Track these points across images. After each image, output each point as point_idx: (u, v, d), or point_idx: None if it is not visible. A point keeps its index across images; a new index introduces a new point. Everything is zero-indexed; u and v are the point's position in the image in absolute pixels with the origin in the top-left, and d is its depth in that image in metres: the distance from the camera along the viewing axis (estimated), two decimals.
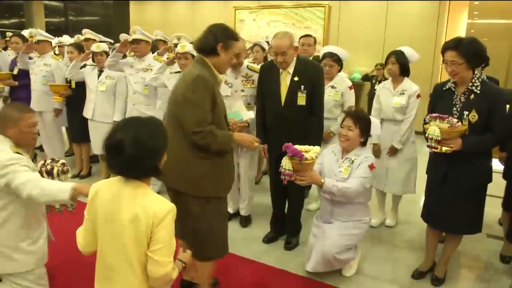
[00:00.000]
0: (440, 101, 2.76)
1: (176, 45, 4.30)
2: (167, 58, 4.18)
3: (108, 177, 4.78)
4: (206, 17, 10.13)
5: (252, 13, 9.49)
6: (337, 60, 3.86)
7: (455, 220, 2.77)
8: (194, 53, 3.99)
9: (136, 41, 4.32)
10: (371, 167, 2.83)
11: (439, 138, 2.53)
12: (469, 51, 2.54)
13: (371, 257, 3.37)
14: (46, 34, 5.30)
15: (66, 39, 6.33)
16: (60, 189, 2.04)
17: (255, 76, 3.59)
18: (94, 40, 5.40)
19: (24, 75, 5.20)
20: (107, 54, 4.64)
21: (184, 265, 1.82)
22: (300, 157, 2.46)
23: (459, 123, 2.55)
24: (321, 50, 4.18)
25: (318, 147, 2.67)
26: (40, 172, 2.27)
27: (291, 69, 3.23)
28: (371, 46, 7.79)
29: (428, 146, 2.63)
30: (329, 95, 3.82)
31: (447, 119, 2.52)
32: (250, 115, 3.34)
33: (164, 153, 1.70)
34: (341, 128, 2.95)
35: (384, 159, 3.77)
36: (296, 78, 3.21)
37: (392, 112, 3.68)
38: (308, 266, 3.00)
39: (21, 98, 5.08)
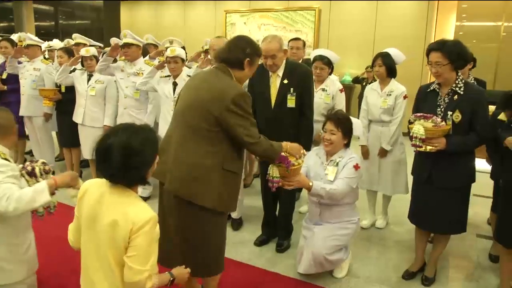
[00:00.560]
0: (424, 102, 2.81)
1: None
2: (159, 62, 4.18)
3: None
4: (197, 20, 10.14)
5: (243, 17, 9.51)
6: (328, 63, 3.89)
7: (440, 219, 2.81)
8: (184, 57, 4.02)
9: (126, 45, 4.32)
10: (356, 167, 2.86)
11: (424, 137, 2.58)
12: (453, 52, 2.59)
13: (361, 258, 3.39)
14: (36, 38, 5.29)
15: (56, 43, 6.31)
16: (36, 190, 1.92)
17: None
18: (85, 45, 5.38)
19: (13, 80, 5.18)
20: (96, 58, 4.63)
21: (171, 278, 1.77)
22: (287, 164, 2.46)
23: (443, 122, 2.59)
24: (311, 53, 4.21)
25: (304, 150, 2.66)
26: (22, 176, 2.19)
27: (280, 72, 3.25)
28: (361, 49, 7.85)
29: (413, 145, 2.67)
30: (320, 98, 3.85)
31: (431, 119, 2.57)
32: None
33: (154, 163, 1.67)
34: (323, 132, 2.97)
35: (374, 160, 3.80)
36: (285, 81, 3.23)
37: (380, 114, 3.72)
38: (300, 268, 3.01)
39: (10, 102, 5.04)
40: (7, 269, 2.08)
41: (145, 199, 4.55)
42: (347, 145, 2.98)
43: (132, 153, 1.56)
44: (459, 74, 2.69)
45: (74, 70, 4.77)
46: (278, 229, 3.58)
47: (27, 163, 2.32)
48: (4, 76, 5.23)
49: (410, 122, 2.73)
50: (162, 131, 4.12)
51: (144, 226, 1.56)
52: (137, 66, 4.36)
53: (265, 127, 3.27)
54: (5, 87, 5.22)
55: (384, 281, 3.09)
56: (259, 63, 3.59)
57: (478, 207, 4.37)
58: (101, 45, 6.04)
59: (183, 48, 4.35)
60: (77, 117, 4.69)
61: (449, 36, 7.50)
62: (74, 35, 5.69)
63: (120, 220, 1.56)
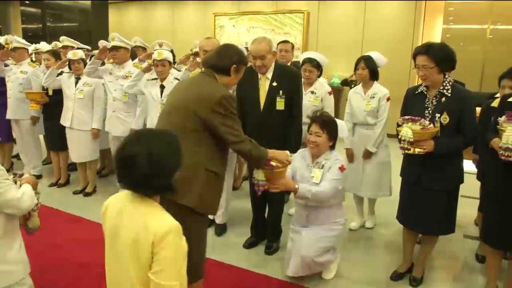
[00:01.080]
0: (412, 104, 2.83)
1: None
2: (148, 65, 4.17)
3: (86, 186, 4.76)
4: (186, 23, 10.13)
5: (231, 19, 9.52)
6: (317, 66, 3.91)
7: (429, 220, 2.83)
8: (171, 59, 4.01)
9: (115, 48, 4.30)
10: (341, 169, 2.87)
11: (412, 140, 2.59)
12: (439, 55, 2.62)
13: (350, 260, 3.40)
14: (23, 41, 5.24)
15: (43, 46, 6.24)
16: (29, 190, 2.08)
17: None
18: (72, 47, 5.34)
19: (0, 83, 5.12)
20: (84, 61, 4.60)
21: None
22: (271, 168, 2.46)
23: (431, 125, 2.62)
24: (300, 56, 4.23)
25: (288, 152, 2.64)
26: None
27: (269, 75, 3.26)
28: (349, 51, 7.88)
29: (401, 148, 2.68)
30: (309, 100, 3.87)
31: (419, 121, 2.59)
32: None
33: (179, 169, 1.59)
34: (308, 134, 2.97)
35: (359, 163, 3.82)
36: (274, 83, 3.24)
37: (364, 116, 3.74)
38: (289, 271, 3.01)
39: None
40: (7, 270, 2.06)
41: None
42: (332, 147, 2.99)
43: (157, 160, 1.49)
44: (447, 76, 2.71)
45: (61, 73, 4.73)
46: (267, 231, 3.59)
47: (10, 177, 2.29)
48: None
49: (398, 125, 2.75)
50: None
51: (165, 236, 1.46)
52: (125, 69, 4.35)
53: (254, 129, 3.28)
54: None
55: (373, 282, 3.11)
56: (249, 65, 3.62)
57: (465, 208, 4.39)
58: (89, 47, 5.99)
59: (172, 51, 4.34)
60: (65, 121, 4.65)
61: (436, 38, 7.58)
62: (61, 38, 5.64)
63: (140, 233, 1.48)
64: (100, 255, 1.62)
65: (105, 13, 10.37)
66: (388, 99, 3.71)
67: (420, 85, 2.83)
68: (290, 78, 3.27)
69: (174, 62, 4.86)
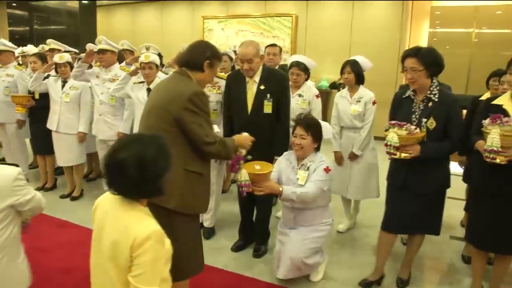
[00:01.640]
0: (399, 109, 2.84)
1: None
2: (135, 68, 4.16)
3: (73, 190, 4.71)
4: (174, 26, 10.11)
5: (220, 23, 9.53)
6: (304, 69, 3.92)
7: (415, 222, 2.84)
8: (158, 62, 4.01)
9: (101, 51, 4.28)
10: (327, 170, 2.88)
11: (398, 145, 2.60)
12: (428, 58, 2.64)
13: (337, 262, 3.42)
14: (9, 43, 5.19)
15: (29, 48, 6.18)
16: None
17: (221, 82, 3.64)
18: (59, 50, 5.30)
19: None
20: (70, 64, 4.56)
21: None
22: (239, 159, 2.53)
23: (417, 129, 2.63)
24: (288, 59, 4.25)
25: (247, 134, 2.66)
26: None
27: (257, 78, 3.27)
28: (337, 54, 7.93)
29: (387, 153, 2.69)
30: (297, 103, 3.88)
31: (405, 126, 2.60)
32: (215, 129, 3.33)
33: (168, 172, 1.60)
34: (293, 137, 2.99)
35: (346, 166, 3.85)
36: (262, 87, 3.25)
37: (351, 119, 3.77)
38: (279, 273, 3.01)
39: None
40: (15, 281, 2.06)
41: None
42: (317, 149, 3.00)
43: (147, 165, 1.49)
44: (434, 81, 2.73)
45: (47, 76, 4.69)
46: (255, 234, 3.59)
47: None
48: None
49: (386, 130, 2.77)
50: None
51: (145, 242, 1.46)
52: (112, 72, 4.33)
53: (242, 133, 3.29)
54: None
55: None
56: (236, 68, 3.63)
57: (451, 210, 4.45)
58: (77, 51, 5.96)
59: (159, 54, 4.33)
60: (51, 124, 4.61)
61: (423, 42, 7.66)
62: (48, 41, 5.60)
63: (121, 236, 1.49)
64: (86, 260, 1.61)
65: (93, 16, 10.32)
66: (374, 102, 3.74)
67: (408, 89, 2.85)
68: (278, 82, 3.28)
69: (162, 65, 4.86)
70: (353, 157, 3.79)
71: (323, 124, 3.08)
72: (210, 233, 3.87)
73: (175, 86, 2.31)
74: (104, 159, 1.55)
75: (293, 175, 2.98)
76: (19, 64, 5.38)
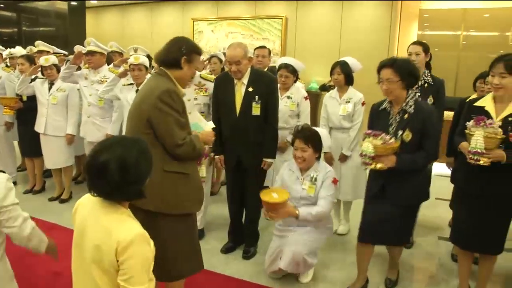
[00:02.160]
0: (377, 120, 2.82)
1: None
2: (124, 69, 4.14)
3: (62, 193, 4.67)
4: (164, 28, 10.08)
5: (210, 25, 9.52)
6: (293, 71, 3.93)
7: (388, 232, 2.79)
8: (148, 64, 4.00)
9: (90, 53, 4.27)
10: (335, 182, 2.96)
11: (373, 155, 2.59)
12: (404, 70, 2.63)
13: (326, 263, 3.43)
14: None
15: (18, 50, 6.13)
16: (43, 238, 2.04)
17: (208, 85, 3.64)
18: (48, 52, 5.27)
19: None
20: (57, 67, 4.53)
21: None
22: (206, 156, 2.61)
23: (392, 139, 2.60)
24: (277, 61, 4.26)
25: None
26: None
27: (245, 80, 3.28)
28: (327, 56, 7.94)
29: (363, 163, 2.68)
30: (285, 105, 3.88)
31: (380, 136, 2.58)
32: (210, 124, 3.34)
33: (149, 175, 1.60)
34: (294, 150, 3.03)
35: (336, 167, 3.85)
36: (250, 89, 3.26)
37: (340, 120, 3.79)
38: (281, 264, 2.98)
39: None
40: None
41: None
42: (318, 158, 3.05)
43: (129, 167, 1.48)
44: (410, 92, 2.72)
45: (34, 79, 4.66)
46: (244, 236, 3.59)
47: None
48: None
49: (362, 139, 2.77)
50: None
51: (130, 246, 1.46)
52: (101, 73, 4.31)
53: (230, 135, 3.30)
54: None
55: (349, 284, 3.12)
56: (225, 70, 3.63)
57: (439, 210, 4.51)
58: (66, 52, 5.92)
59: (148, 56, 4.32)
60: (38, 127, 4.58)
61: None
62: (37, 42, 5.56)
63: (103, 240, 1.48)
64: None
65: (82, 17, 10.27)
66: (363, 103, 3.77)
67: (384, 101, 2.83)
68: (266, 84, 3.29)
69: (152, 67, 4.85)
70: (343, 158, 3.81)
71: (321, 132, 3.11)
72: (200, 235, 3.85)
73: (149, 86, 2.29)
74: (86, 161, 1.54)
75: (298, 186, 3.03)
76: (7, 66, 5.34)
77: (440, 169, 4.35)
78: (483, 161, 2.43)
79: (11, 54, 5.87)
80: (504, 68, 2.45)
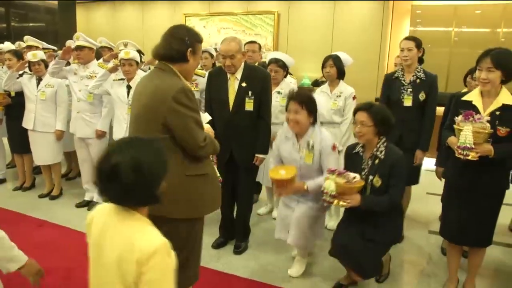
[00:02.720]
0: (351, 164, 2.80)
1: None
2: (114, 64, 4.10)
3: (52, 189, 4.63)
4: (155, 23, 10.02)
5: (202, 20, 9.48)
6: (283, 66, 3.92)
7: (359, 265, 2.76)
8: (138, 59, 3.97)
9: (79, 48, 4.21)
10: (334, 147, 2.90)
11: (334, 193, 2.56)
12: (379, 116, 2.65)
13: (316, 257, 3.43)
14: None
15: (6, 45, 6.04)
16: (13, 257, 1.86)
17: (199, 80, 3.62)
18: (37, 48, 5.21)
19: None
20: (45, 62, 4.48)
21: None
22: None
23: (357, 178, 2.58)
24: (267, 56, 4.25)
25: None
26: None
27: (238, 75, 3.26)
28: (319, 52, 7.90)
29: (323, 200, 2.65)
30: (276, 101, 3.87)
31: (344, 174, 2.56)
32: (207, 116, 3.29)
33: (165, 177, 1.48)
34: (287, 113, 2.93)
35: None
36: (244, 84, 3.24)
37: (330, 115, 3.79)
38: (289, 239, 3.02)
39: None
40: None
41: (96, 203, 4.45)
42: (313, 123, 2.95)
43: (143, 170, 1.38)
44: (382, 138, 2.71)
45: (22, 74, 4.61)
46: (235, 231, 3.58)
47: None
48: None
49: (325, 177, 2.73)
50: (117, 135, 4.06)
51: (153, 256, 1.35)
52: (90, 69, 4.26)
53: (223, 130, 3.28)
54: None
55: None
56: (218, 65, 3.61)
57: (430, 205, 4.54)
58: (55, 48, 5.85)
59: (139, 51, 4.29)
60: (27, 123, 4.54)
61: None
62: (25, 38, 5.49)
63: (125, 251, 1.37)
64: (65, 259, 1.57)
65: (73, 13, 10.16)
66: (354, 97, 3.78)
67: (357, 144, 2.84)
68: (260, 79, 3.27)
69: (142, 62, 4.82)
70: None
71: (316, 97, 3.04)
72: None
73: (159, 85, 2.08)
74: (96, 164, 1.43)
75: (295, 152, 2.98)
76: None
77: (431, 164, 4.37)
78: (471, 156, 2.44)
79: (0, 49, 5.80)
80: (491, 63, 2.46)
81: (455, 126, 2.55)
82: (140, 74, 4.00)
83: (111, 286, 1.41)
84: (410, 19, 7.72)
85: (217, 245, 3.56)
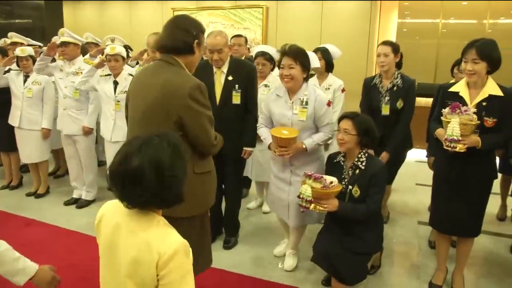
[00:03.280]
0: (333, 172, 2.75)
1: None
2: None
3: (37, 188, 4.57)
4: (143, 18, 9.92)
5: (191, 15, 9.35)
6: (270, 59, 3.90)
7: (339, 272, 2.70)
8: (125, 55, 3.92)
9: (64, 44, 4.16)
10: (329, 104, 2.87)
11: (310, 198, 2.53)
12: (363, 125, 2.62)
13: (308, 251, 3.42)
14: None
15: None
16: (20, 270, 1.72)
17: None
18: (22, 44, 5.14)
19: None
20: (33, 58, 4.42)
21: None
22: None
23: (334, 184, 2.54)
24: (254, 50, 4.23)
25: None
26: None
27: (225, 69, 3.25)
28: (308, 45, 7.73)
29: (299, 205, 2.62)
30: (263, 94, 3.84)
31: (321, 179, 2.52)
32: None
33: (186, 175, 1.41)
34: (280, 68, 2.87)
35: None
36: (230, 78, 3.23)
37: None
38: (290, 223, 3.04)
39: None
40: None
41: (89, 202, 4.42)
42: (306, 80, 2.90)
43: (165, 169, 1.31)
44: (364, 149, 2.68)
45: (9, 70, 4.54)
46: (225, 226, 3.58)
47: None
48: None
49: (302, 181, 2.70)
50: (104, 131, 4.02)
51: (172, 257, 1.30)
52: (76, 65, 4.21)
53: None
54: None
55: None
56: (204, 59, 3.59)
57: (420, 196, 4.57)
58: (41, 44, 5.78)
59: (126, 46, 4.24)
60: (13, 120, 4.48)
61: (392, 32, 7.75)
62: (10, 34, 5.41)
63: (142, 253, 1.32)
64: (52, 258, 1.52)
65: (59, 9, 10.06)
66: (343, 90, 3.77)
67: (339, 153, 2.82)
68: (246, 72, 3.27)
69: (129, 57, 4.77)
70: (326, 145, 3.80)
71: (309, 53, 2.97)
72: None
73: (170, 80, 2.00)
74: (113, 168, 1.33)
75: (287, 110, 2.89)
76: None
77: (420, 155, 4.40)
78: (459, 148, 2.45)
79: None
80: (476, 54, 2.47)
81: (442, 118, 2.56)
82: (127, 70, 3.96)
83: (123, 285, 1.37)
84: (398, 11, 7.73)
85: None
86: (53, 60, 4.52)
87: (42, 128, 4.44)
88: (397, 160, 3.58)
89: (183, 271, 1.34)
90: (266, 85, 3.89)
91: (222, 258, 3.31)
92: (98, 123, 4.35)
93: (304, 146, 2.83)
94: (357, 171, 2.65)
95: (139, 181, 1.28)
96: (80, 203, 4.39)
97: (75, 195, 4.52)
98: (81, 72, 4.08)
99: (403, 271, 3.22)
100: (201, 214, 2.25)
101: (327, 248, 2.68)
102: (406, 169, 3.89)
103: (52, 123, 4.47)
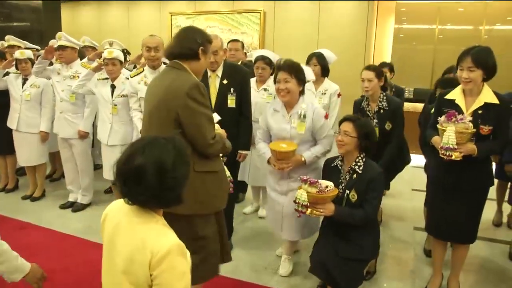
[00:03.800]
0: (329, 177, 2.74)
1: None
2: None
3: (34, 191, 4.56)
4: (141, 22, 9.94)
5: (188, 19, 9.42)
6: (269, 63, 3.91)
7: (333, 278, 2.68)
8: (122, 59, 3.93)
9: (61, 48, 4.16)
10: (326, 116, 2.89)
11: (306, 203, 2.52)
12: (363, 129, 2.63)
13: (304, 257, 3.43)
14: None
15: None
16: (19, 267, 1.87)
17: None
18: (19, 47, 5.14)
19: None
20: (32, 61, 4.43)
21: None
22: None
23: (329, 188, 2.54)
24: (253, 54, 4.24)
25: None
26: None
27: (219, 72, 3.26)
28: (305, 49, 7.84)
29: (296, 210, 2.61)
30: (262, 98, 3.86)
31: (315, 184, 2.51)
32: (216, 116, 3.23)
33: (188, 178, 1.46)
34: (276, 83, 2.88)
35: None
36: (225, 81, 3.24)
37: None
38: (284, 235, 3.05)
39: None
40: None
41: (85, 206, 4.41)
42: (302, 93, 2.92)
43: (167, 171, 1.35)
44: (362, 154, 2.68)
45: (7, 73, 4.54)
46: None
47: None
48: None
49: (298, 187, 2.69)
50: (101, 135, 4.02)
51: (165, 257, 1.31)
52: (73, 68, 4.22)
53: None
54: None
55: None
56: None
57: (416, 201, 4.57)
58: (38, 47, 5.77)
59: (124, 50, 4.24)
60: (11, 123, 4.48)
61: (389, 38, 7.79)
62: (7, 37, 5.41)
63: (137, 252, 1.35)
64: (48, 262, 1.56)
65: (58, 12, 10.05)
66: (339, 95, 3.79)
67: (337, 157, 2.81)
68: (241, 76, 3.28)
69: (127, 61, 4.77)
70: None
71: (303, 66, 3.00)
72: None
73: (173, 81, 2.16)
74: (117, 167, 1.38)
75: (285, 123, 2.90)
76: None
77: (417, 161, 4.40)
78: (455, 156, 2.45)
79: None
80: (471, 62, 2.47)
81: (438, 127, 2.56)
82: (124, 74, 3.97)
83: (119, 281, 1.41)
84: (394, 17, 7.77)
85: None
86: (51, 63, 4.52)
87: (40, 131, 4.44)
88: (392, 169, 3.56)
89: (177, 273, 1.34)
90: (265, 89, 3.89)
91: None
92: (95, 127, 4.34)
93: (303, 159, 2.84)
94: (355, 175, 2.65)
95: (141, 180, 1.32)
96: (75, 207, 4.38)
97: (71, 198, 4.51)
98: (78, 76, 4.08)
99: (399, 276, 3.22)
100: (210, 215, 2.28)
101: (324, 258, 2.65)
102: (402, 174, 3.90)
103: (50, 127, 4.47)
